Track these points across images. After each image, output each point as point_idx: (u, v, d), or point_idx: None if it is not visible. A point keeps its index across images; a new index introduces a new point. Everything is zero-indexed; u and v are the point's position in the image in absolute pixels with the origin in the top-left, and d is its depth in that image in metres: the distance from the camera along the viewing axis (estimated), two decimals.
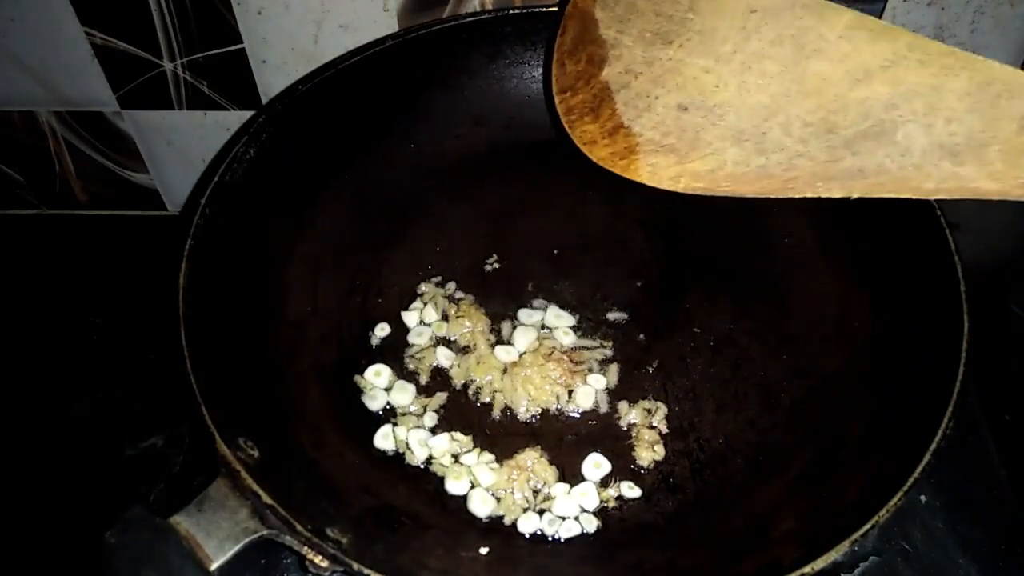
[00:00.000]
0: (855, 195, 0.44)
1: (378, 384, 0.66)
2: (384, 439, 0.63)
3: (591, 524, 0.59)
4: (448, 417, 0.65)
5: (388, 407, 0.65)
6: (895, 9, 0.79)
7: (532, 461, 0.62)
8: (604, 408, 0.65)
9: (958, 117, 0.43)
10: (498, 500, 0.61)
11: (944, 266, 0.60)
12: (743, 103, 0.47)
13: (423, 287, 0.72)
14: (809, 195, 0.45)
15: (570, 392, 0.66)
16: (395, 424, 0.64)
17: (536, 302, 0.71)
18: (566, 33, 0.56)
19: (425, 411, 0.65)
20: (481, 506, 0.60)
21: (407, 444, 0.63)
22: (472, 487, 0.61)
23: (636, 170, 0.50)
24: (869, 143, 0.44)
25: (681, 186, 0.48)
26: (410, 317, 0.70)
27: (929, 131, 0.43)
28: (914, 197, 0.43)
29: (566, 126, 0.53)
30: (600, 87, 0.52)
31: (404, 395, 0.65)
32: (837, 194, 0.44)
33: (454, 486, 0.61)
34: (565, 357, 0.67)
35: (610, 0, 0.52)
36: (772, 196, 0.46)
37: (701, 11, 0.49)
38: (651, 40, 0.50)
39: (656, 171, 0.49)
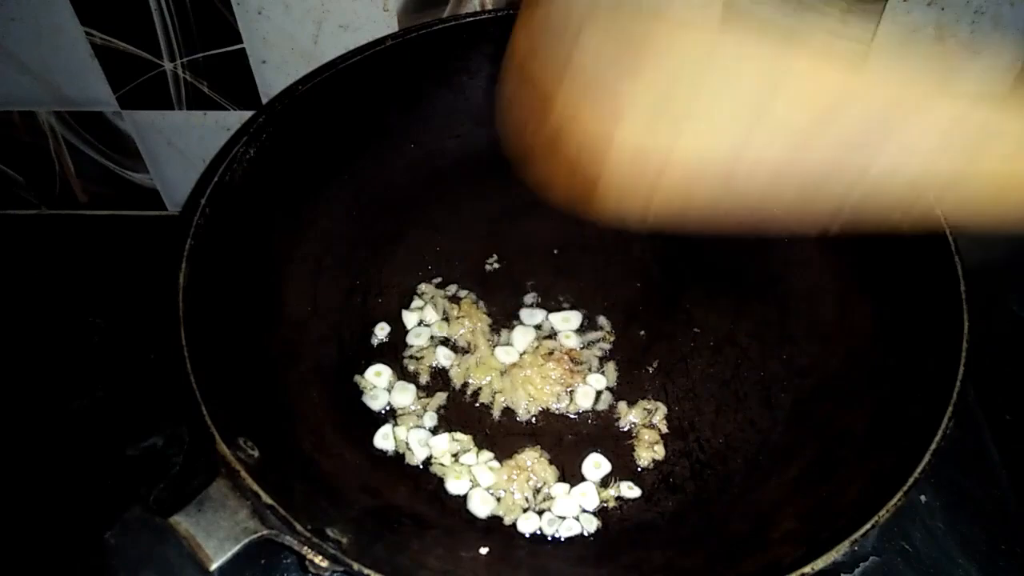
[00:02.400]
0: (834, 229, 0.44)
1: (379, 384, 0.66)
2: (384, 439, 0.63)
3: (591, 524, 0.59)
4: (448, 417, 0.65)
5: (388, 407, 0.65)
6: (895, 9, 0.79)
7: (532, 461, 0.62)
8: (604, 408, 0.65)
9: (931, 151, 0.41)
10: (498, 500, 0.61)
11: (944, 266, 0.60)
12: (709, 136, 0.44)
13: (423, 287, 0.72)
14: (775, 230, 0.44)
15: (570, 392, 0.66)
16: (395, 424, 0.64)
17: (538, 303, 0.71)
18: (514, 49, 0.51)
19: (425, 411, 0.65)
20: (481, 506, 0.60)
21: (407, 444, 0.63)
22: (472, 487, 0.61)
23: (602, 204, 0.47)
24: (840, 178, 0.43)
25: (651, 215, 0.47)
26: (410, 317, 0.70)
27: (904, 166, 0.42)
28: (892, 229, 0.43)
29: (522, 164, 0.50)
30: (556, 129, 0.48)
31: (405, 395, 0.65)
32: (811, 228, 0.44)
33: (454, 486, 0.61)
34: (565, 357, 0.67)
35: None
36: (741, 230, 0.46)
37: (658, 55, 0.44)
38: (609, 82, 0.45)
39: (622, 204, 0.47)
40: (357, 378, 0.66)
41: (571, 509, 0.60)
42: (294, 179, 0.71)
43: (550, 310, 0.70)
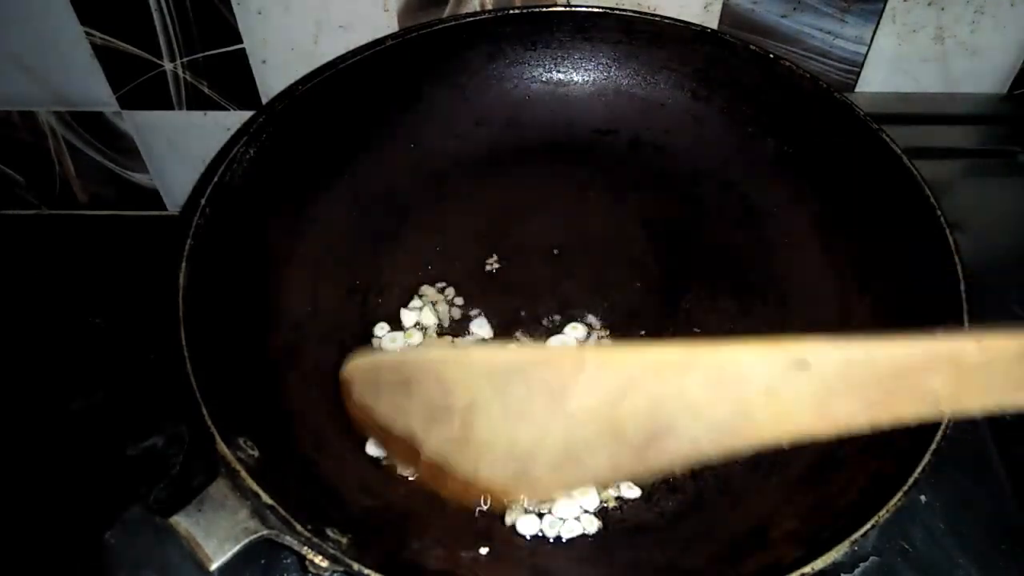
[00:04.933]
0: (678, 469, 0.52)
1: None
2: None
3: (591, 524, 0.59)
4: None
5: None
6: (895, 9, 0.79)
7: None
8: None
9: (712, 402, 0.44)
10: None
11: (944, 266, 0.60)
12: (544, 444, 0.48)
13: (424, 289, 0.71)
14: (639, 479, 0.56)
15: None
16: None
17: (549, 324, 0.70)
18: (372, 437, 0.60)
19: None
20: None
21: None
22: None
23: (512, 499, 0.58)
24: (660, 441, 0.45)
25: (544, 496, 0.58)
26: (408, 317, 0.70)
27: (698, 418, 0.44)
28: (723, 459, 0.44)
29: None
30: (431, 466, 0.53)
31: None
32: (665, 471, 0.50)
33: None
34: None
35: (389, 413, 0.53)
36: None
37: (454, 391, 0.49)
38: (435, 421, 0.51)
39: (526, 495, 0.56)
40: None
41: (571, 509, 0.60)
42: (294, 179, 0.71)
43: (550, 314, 0.70)
